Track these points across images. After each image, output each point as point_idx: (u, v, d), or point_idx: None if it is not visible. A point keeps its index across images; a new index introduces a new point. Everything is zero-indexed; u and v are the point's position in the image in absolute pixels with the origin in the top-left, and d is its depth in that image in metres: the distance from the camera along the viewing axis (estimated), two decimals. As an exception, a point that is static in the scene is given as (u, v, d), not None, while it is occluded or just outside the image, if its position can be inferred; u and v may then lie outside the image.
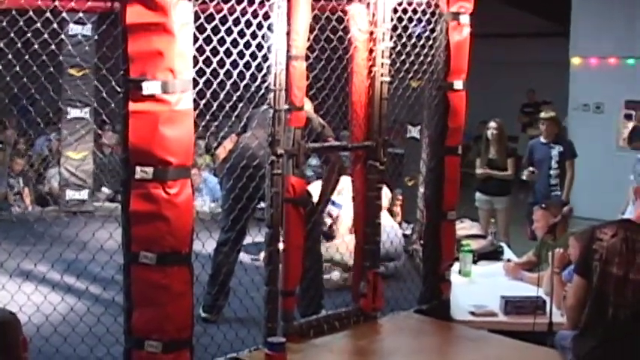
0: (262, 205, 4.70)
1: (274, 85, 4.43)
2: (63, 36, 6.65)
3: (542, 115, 9.11)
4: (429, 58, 5.37)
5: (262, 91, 4.54)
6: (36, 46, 4.44)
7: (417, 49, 5.33)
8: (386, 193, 6.58)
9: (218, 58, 4.31)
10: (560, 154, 8.62)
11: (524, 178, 8.76)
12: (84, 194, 8.61)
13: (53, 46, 4.55)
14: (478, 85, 13.24)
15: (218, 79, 4.34)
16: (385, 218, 6.57)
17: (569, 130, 12.72)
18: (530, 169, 8.66)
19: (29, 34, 4.37)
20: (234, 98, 4.50)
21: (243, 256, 5.76)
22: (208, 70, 4.24)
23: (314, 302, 5.20)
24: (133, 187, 3.99)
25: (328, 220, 7.12)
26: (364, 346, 4.79)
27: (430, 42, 5.35)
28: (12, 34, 4.51)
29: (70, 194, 8.57)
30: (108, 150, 9.97)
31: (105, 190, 9.41)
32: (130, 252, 4.04)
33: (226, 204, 5.36)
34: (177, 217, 3.98)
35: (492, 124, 9.02)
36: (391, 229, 6.49)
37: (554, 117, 8.97)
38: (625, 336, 4.05)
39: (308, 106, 5.30)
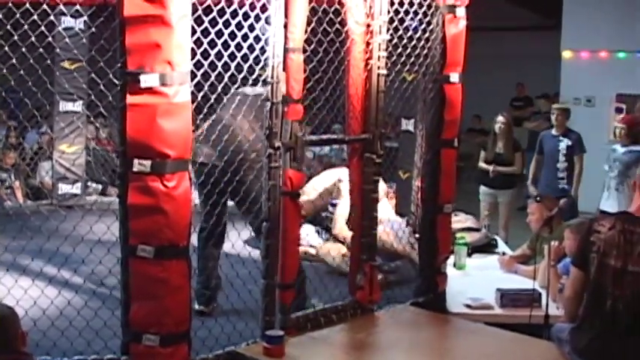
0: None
1: (272, 77, 4.42)
2: (58, 29, 6.69)
3: (555, 105, 9.19)
4: (425, 51, 5.37)
5: (260, 83, 4.51)
6: (31, 39, 4.42)
7: (414, 42, 5.33)
8: (381, 186, 6.58)
9: (216, 50, 4.30)
10: (568, 147, 8.62)
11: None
12: (76, 188, 8.58)
13: (48, 39, 4.53)
14: (470, 79, 13.29)
15: (216, 72, 4.34)
16: (390, 212, 6.58)
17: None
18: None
19: (24, 27, 4.35)
20: (232, 91, 4.50)
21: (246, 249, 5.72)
22: (206, 63, 4.23)
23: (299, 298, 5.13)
24: (131, 180, 3.99)
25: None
26: (361, 338, 4.79)
27: (426, 35, 5.34)
28: (7, 27, 4.48)
29: (63, 188, 8.53)
30: (91, 144, 9.85)
31: (92, 185, 9.36)
32: (127, 245, 4.04)
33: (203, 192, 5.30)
34: (175, 210, 3.97)
35: (500, 118, 9.06)
36: (398, 226, 6.46)
37: (566, 108, 8.99)
38: (623, 328, 4.07)
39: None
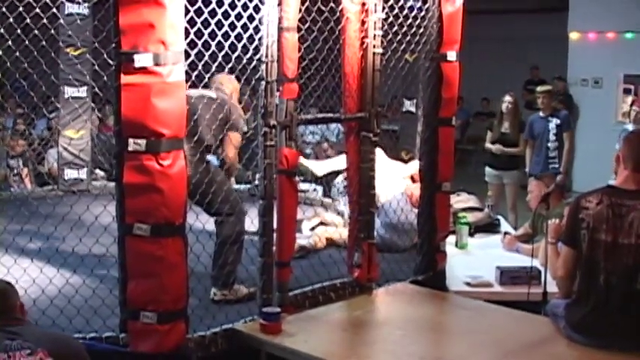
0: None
1: (266, 56, 4.44)
2: (59, 15, 6.72)
3: (539, 88, 9.20)
4: (422, 30, 5.38)
5: (254, 62, 4.53)
6: (33, 27, 4.47)
7: (410, 21, 5.34)
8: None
9: (209, 30, 4.32)
10: (557, 126, 8.71)
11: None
12: (82, 173, 8.61)
13: (50, 26, 4.58)
14: (478, 62, 13.29)
15: (209, 51, 4.36)
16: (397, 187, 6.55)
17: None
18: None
19: (26, 14, 4.39)
20: (226, 70, 4.53)
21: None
22: (200, 42, 4.25)
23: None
24: (127, 160, 4.03)
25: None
26: (359, 316, 4.81)
27: (422, 13, 5.35)
28: (10, 16, 4.53)
29: (69, 173, 8.56)
30: (95, 131, 9.88)
31: (98, 171, 9.41)
32: (124, 224, 4.08)
33: None
34: (170, 189, 4.01)
35: (507, 97, 9.07)
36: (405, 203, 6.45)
37: (550, 90, 9.06)
38: (617, 301, 4.09)
39: (229, 89, 5.29)
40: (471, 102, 15.63)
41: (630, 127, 8.53)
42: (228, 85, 5.28)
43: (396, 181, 6.61)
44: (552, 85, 14.68)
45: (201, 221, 4.91)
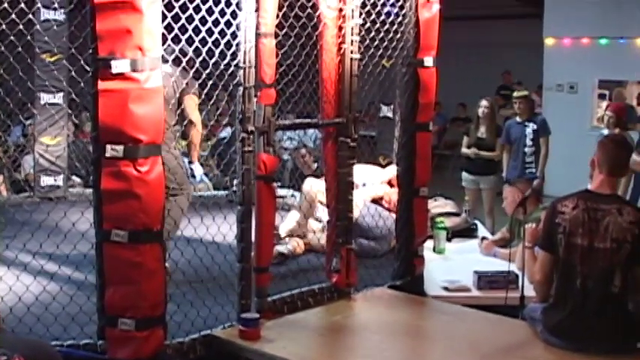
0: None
1: (244, 62, 4.43)
2: (35, 21, 6.68)
3: (515, 94, 9.25)
4: (399, 35, 5.40)
5: (232, 68, 4.53)
6: (8, 32, 4.44)
7: (387, 27, 5.36)
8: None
9: (187, 35, 4.32)
10: (534, 132, 8.77)
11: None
12: (59, 180, 8.56)
13: (26, 32, 4.55)
14: (455, 68, 13.36)
15: (187, 57, 4.35)
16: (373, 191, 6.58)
17: (543, 110, 12.81)
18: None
19: (1, 20, 4.37)
20: (204, 76, 4.53)
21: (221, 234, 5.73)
22: (177, 48, 4.25)
23: None
24: (104, 166, 4.01)
25: None
26: (338, 321, 4.82)
27: (399, 19, 5.37)
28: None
29: (46, 180, 8.51)
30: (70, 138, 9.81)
31: (74, 178, 9.37)
32: (101, 230, 4.06)
33: None
34: (148, 195, 4.00)
35: (484, 102, 9.11)
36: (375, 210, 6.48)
37: (526, 95, 9.12)
38: (593, 304, 4.12)
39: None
40: (447, 107, 15.71)
41: (606, 131, 8.60)
42: None
43: (373, 185, 6.63)
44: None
45: (180, 228, 4.91)
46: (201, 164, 6.94)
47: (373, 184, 6.68)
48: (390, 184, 6.67)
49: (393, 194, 6.20)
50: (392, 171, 6.47)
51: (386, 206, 6.56)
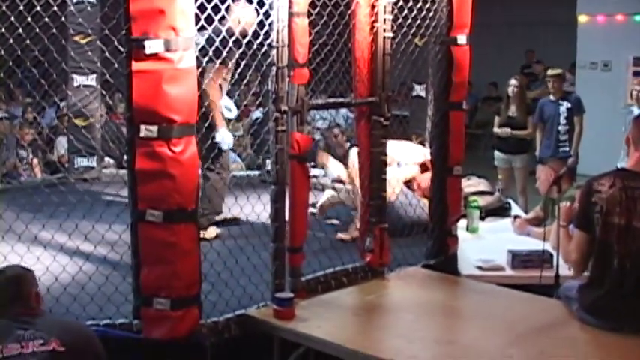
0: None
1: (276, 42, 4.42)
2: (69, 3, 6.71)
3: (549, 72, 9.16)
4: (432, 13, 5.36)
5: (265, 48, 4.53)
6: (42, 14, 4.47)
7: (420, 4, 5.32)
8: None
9: (220, 15, 4.32)
10: (568, 110, 8.69)
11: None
12: (93, 161, 8.63)
13: (60, 14, 4.58)
14: (486, 47, 13.25)
15: (220, 37, 4.35)
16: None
17: (576, 88, 12.69)
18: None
19: (36, 2, 4.40)
20: (236, 56, 4.53)
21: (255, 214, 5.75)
22: (210, 28, 4.25)
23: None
24: (138, 146, 4.02)
25: None
26: (372, 300, 4.82)
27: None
28: (19, 4, 4.53)
29: (80, 161, 8.59)
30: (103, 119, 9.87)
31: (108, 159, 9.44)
32: (136, 210, 4.08)
33: None
34: (182, 175, 4.01)
35: (513, 81, 9.05)
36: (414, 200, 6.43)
37: (560, 73, 9.01)
38: (631, 284, 4.08)
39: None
40: (478, 86, 15.61)
41: (635, 108, 8.50)
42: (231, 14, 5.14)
43: (407, 166, 6.61)
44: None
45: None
46: (234, 147, 6.94)
47: (407, 164, 6.65)
48: (424, 166, 6.62)
49: (423, 180, 6.17)
50: (426, 153, 6.43)
51: (414, 188, 6.54)
